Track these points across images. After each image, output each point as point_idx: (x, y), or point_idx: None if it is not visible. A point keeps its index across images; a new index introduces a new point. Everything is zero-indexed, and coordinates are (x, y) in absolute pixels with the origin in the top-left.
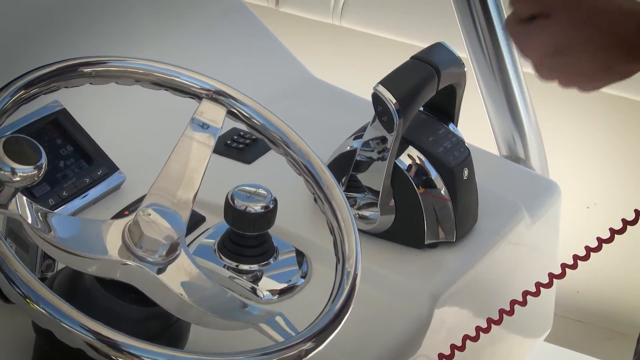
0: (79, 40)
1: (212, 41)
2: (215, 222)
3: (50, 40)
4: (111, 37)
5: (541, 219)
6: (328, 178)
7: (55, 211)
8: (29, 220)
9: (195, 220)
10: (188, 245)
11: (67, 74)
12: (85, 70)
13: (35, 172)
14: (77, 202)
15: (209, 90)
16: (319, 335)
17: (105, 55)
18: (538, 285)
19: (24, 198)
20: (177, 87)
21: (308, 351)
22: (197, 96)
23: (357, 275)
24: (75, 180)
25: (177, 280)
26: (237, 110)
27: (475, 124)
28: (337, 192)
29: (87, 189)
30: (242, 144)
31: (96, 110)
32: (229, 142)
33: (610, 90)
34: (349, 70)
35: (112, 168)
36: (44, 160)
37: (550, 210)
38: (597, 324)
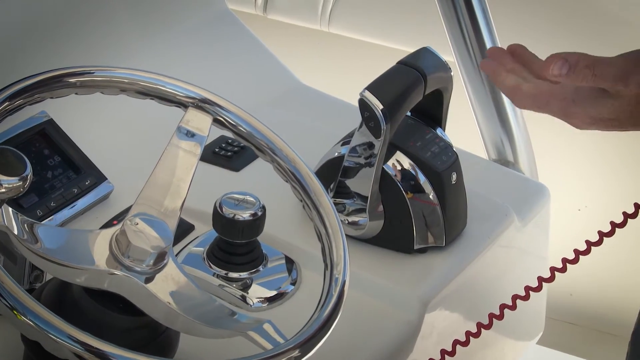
0: (64, 49)
1: (199, 49)
2: (204, 231)
3: (35, 51)
4: (97, 46)
5: (531, 222)
6: (315, 185)
7: (42, 222)
8: (15, 232)
9: (184, 229)
10: (177, 254)
11: (52, 84)
12: (70, 80)
13: (21, 183)
14: (66, 213)
15: (194, 98)
16: (308, 343)
17: (90, 65)
18: (528, 289)
19: (10, 209)
20: (163, 96)
21: (297, 358)
22: (182, 105)
23: (345, 281)
24: (63, 191)
25: (165, 289)
26: (223, 118)
27: (464, 128)
28: (324, 199)
29: (75, 199)
30: (230, 152)
31: (84, 121)
32: (217, 149)
33: None
34: (338, 76)
35: (100, 178)
36: (29, 172)
37: (539, 213)
38: (590, 326)
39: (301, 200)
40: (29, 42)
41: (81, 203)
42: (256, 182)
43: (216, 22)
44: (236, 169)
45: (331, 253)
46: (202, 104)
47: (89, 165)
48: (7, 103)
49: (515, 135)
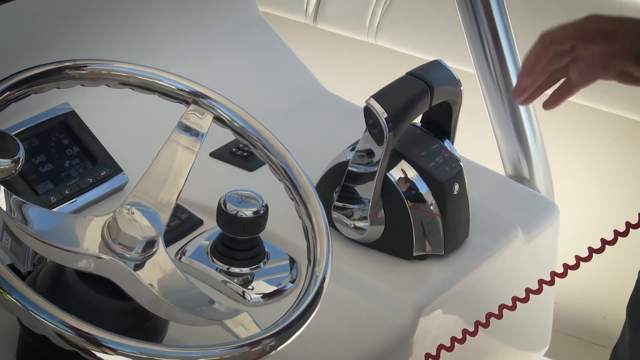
0: (96, 46)
1: (229, 51)
2: (213, 226)
3: (70, 42)
4: (129, 44)
5: (537, 239)
6: (305, 181)
7: (56, 208)
8: (5, 210)
9: (193, 223)
10: (182, 248)
11: (55, 75)
12: (71, 72)
13: (12, 165)
14: (79, 201)
15: (195, 95)
16: (281, 334)
17: (91, 58)
18: (515, 299)
19: (2, 189)
20: (163, 91)
21: (273, 347)
22: (185, 101)
23: (325, 279)
24: (78, 180)
25: (151, 276)
26: (224, 116)
27: (486, 144)
28: (313, 197)
29: (89, 188)
30: (246, 152)
31: (105, 114)
32: (234, 149)
33: (621, 112)
34: (379, 87)
35: (115, 169)
36: (21, 155)
37: (547, 230)
38: None
39: (292, 199)
40: (67, 33)
41: (95, 192)
42: (268, 183)
43: (248, 27)
44: (250, 169)
45: (315, 250)
46: (203, 101)
47: (106, 156)
48: (7, 92)
49: (532, 153)
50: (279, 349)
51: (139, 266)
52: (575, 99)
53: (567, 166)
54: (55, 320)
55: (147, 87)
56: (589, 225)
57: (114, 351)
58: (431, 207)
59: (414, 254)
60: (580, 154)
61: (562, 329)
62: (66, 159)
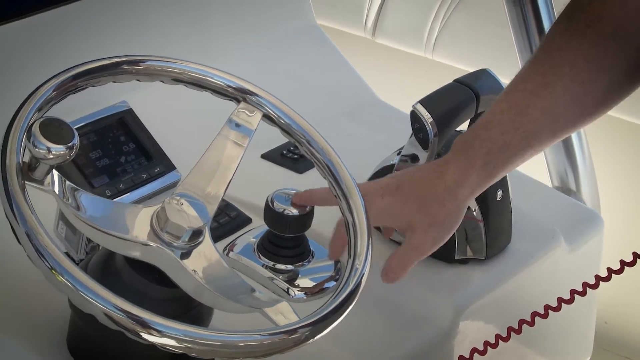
0: (154, 45)
1: (284, 57)
2: (261, 224)
3: (136, 42)
4: (187, 44)
5: (580, 249)
6: (346, 176)
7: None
8: (60, 196)
9: (241, 221)
10: (230, 243)
11: (112, 69)
12: (127, 67)
13: (67, 151)
14: (132, 195)
15: (246, 93)
16: (319, 324)
17: (147, 54)
18: (546, 307)
19: (57, 175)
20: (215, 88)
21: (308, 337)
22: (235, 99)
23: (363, 273)
24: (133, 175)
25: (196, 264)
26: (272, 114)
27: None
28: (354, 192)
29: (143, 184)
30: (296, 155)
31: (161, 113)
32: (284, 152)
33: None
34: None
35: (169, 167)
36: (75, 142)
37: (590, 241)
38: None
39: (335, 195)
40: (127, 32)
41: (148, 188)
42: (316, 184)
43: (303, 35)
44: (299, 171)
45: (355, 245)
46: (252, 99)
47: (160, 154)
48: (67, 84)
49: (579, 165)
50: (316, 337)
51: (185, 255)
52: (624, 116)
53: (614, 181)
54: (106, 302)
55: (199, 84)
56: (633, 240)
57: (160, 333)
58: (474, 213)
59: (456, 258)
60: (628, 169)
61: (611, 347)
62: (122, 155)
